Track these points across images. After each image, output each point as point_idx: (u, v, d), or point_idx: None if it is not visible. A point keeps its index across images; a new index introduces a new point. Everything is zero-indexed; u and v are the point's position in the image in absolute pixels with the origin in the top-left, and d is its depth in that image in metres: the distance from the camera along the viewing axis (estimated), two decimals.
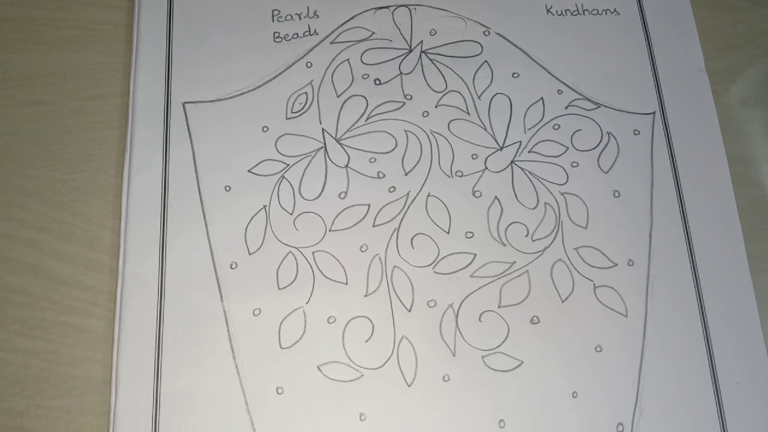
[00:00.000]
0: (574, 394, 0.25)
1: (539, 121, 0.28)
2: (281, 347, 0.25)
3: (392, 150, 0.28)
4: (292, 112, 0.28)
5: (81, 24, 0.29)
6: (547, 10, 0.30)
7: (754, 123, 0.29)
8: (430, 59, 0.29)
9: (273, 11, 0.29)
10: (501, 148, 0.28)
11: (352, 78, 0.28)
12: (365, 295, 0.26)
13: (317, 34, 0.29)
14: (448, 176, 0.27)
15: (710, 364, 0.25)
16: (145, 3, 0.29)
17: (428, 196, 0.27)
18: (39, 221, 0.27)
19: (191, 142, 0.27)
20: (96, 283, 0.26)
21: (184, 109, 0.28)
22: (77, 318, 0.26)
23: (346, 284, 0.26)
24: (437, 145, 0.28)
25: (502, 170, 0.27)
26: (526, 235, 0.26)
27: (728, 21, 0.31)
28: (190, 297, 0.25)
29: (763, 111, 0.30)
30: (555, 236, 0.26)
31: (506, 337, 0.25)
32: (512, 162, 0.28)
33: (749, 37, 0.31)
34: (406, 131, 0.28)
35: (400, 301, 0.26)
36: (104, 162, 0.28)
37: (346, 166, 0.27)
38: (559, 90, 0.28)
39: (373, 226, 0.26)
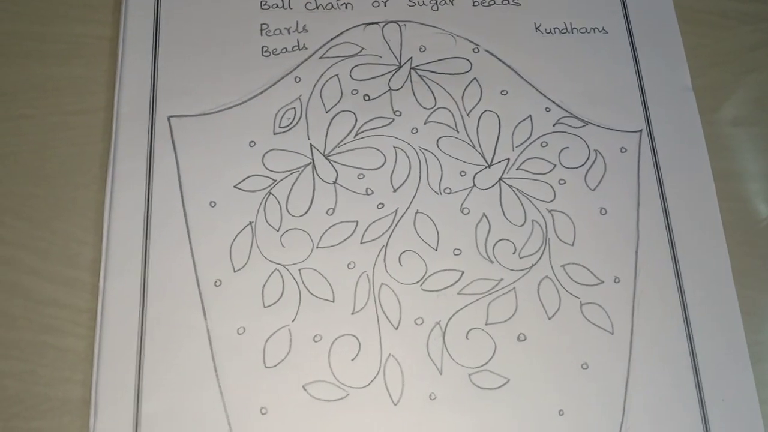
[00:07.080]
0: (561, 412, 0.24)
1: (527, 139, 0.28)
2: (266, 366, 0.24)
3: (381, 166, 0.27)
4: (279, 127, 0.28)
5: (64, 38, 0.29)
6: (536, 28, 0.30)
7: (739, 139, 0.30)
8: (420, 75, 0.29)
9: (261, 25, 0.29)
10: (489, 166, 0.28)
11: (341, 93, 0.28)
12: (352, 313, 0.25)
13: (306, 48, 0.29)
14: (437, 193, 0.27)
15: (696, 381, 0.25)
16: (131, 16, 0.29)
17: (416, 213, 0.27)
18: (17, 238, 0.26)
19: (176, 157, 0.27)
20: (76, 301, 0.25)
21: (170, 123, 0.27)
22: (56, 337, 0.25)
23: (333, 302, 0.25)
24: (426, 162, 0.28)
25: (490, 187, 0.27)
26: (514, 253, 0.26)
27: (714, 38, 0.31)
28: (172, 315, 0.25)
29: (749, 127, 0.30)
30: (542, 253, 0.26)
31: (493, 355, 0.25)
32: (500, 179, 0.28)
33: (735, 54, 0.31)
34: (395, 147, 0.28)
35: (387, 318, 0.25)
36: (85, 177, 0.27)
37: (335, 182, 0.27)
38: (547, 108, 0.29)
39: (361, 243, 0.26)
